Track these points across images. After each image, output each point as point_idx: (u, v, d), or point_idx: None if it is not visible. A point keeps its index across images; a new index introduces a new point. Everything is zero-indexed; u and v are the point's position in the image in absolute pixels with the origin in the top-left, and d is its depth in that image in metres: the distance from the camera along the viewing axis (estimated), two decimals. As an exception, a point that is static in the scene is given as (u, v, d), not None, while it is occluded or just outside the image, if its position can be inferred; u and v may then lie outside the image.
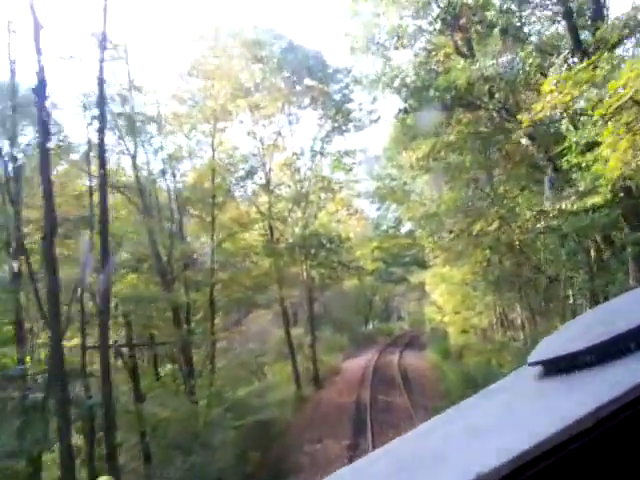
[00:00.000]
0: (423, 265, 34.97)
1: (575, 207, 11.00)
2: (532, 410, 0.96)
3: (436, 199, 25.56)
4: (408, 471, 0.90)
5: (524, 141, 18.27)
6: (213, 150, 20.41)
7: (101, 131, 11.92)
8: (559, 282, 17.30)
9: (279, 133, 24.30)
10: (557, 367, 1.01)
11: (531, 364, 1.09)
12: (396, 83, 18.36)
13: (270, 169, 24.28)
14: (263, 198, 24.31)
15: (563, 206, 11.28)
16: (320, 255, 25.21)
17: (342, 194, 28.12)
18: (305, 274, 25.34)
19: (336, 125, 25.04)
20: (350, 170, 26.82)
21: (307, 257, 24.51)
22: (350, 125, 25.34)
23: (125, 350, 15.98)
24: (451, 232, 18.95)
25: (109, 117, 14.23)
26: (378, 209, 41.28)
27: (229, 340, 25.87)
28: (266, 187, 23.83)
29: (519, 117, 11.87)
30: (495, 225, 18.69)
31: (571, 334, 1.19)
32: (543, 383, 1.04)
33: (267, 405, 16.32)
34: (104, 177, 11.94)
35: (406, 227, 40.10)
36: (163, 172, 18.81)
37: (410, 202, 30.23)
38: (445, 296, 29.84)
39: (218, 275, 19.78)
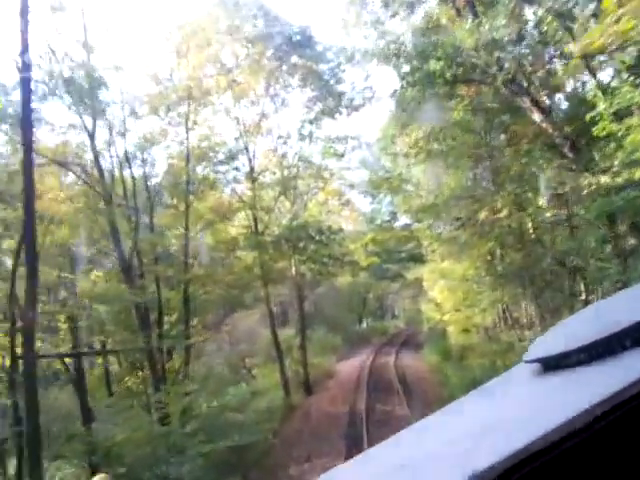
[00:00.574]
0: (420, 260, 33.26)
1: (620, 180, 8.99)
2: (528, 407, 0.96)
3: (434, 189, 23.80)
4: (405, 469, 0.88)
5: (536, 117, 16.41)
6: (187, 131, 18.20)
7: (26, 91, 9.71)
8: (578, 274, 15.40)
9: (263, 115, 22.09)
10: (553, 365, 1.01)
11: (527, 362, 1.09)
12: (392, 48, 16.25)
13: (254, 155, 22.09)
14: (246, 186, 22.11)
15: (602, 180, 9.26)
16: (309, 248, 23.04)
17: (333, 183, 25.95)
18: (294, 270, 23.19)
19: (327, 107, 22.86)
20: (342, 156, 24.63)
21: (295, 251, 22.34)
22: (342, 107, 23.15)
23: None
24: (458, 219, 16.87)
25: (58, 83, 12.02)
26: (372, 203, 39.42)
27: (210, 343, 23.85)
28: (249, 174, 21.62)
29: (567, 49, 9.79)
30: (505, 212, 16.75)
31: (567, 332, 1.17)
32: (539, 381, 1.04)
33: (247, 422, 14.10)
34: (29, 146, 9.77)
35: (401, 222, 38.44)
36: (127, 155, 16.46)
37: (406, 193, 28.44)
38: (444, 293, 28.06)
39: (193, 271, 17.57)
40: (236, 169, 21.55)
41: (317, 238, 22.89)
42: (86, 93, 12.75)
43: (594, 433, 0.77)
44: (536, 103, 16.19)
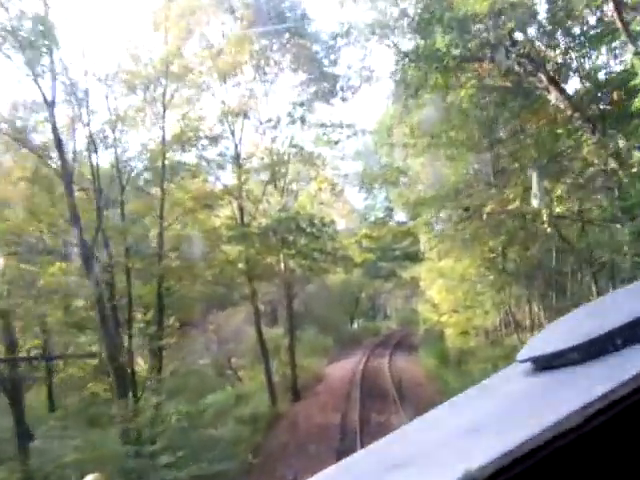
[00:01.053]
0: (416, 259, 31.68)
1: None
2: (521, 407, 0.96)
3: (434, 182, 22.26)
4: (396, 470, 0.86)
5: (553, 97, 14.88)
6: (164, 110, 16.38)
7: None
8: (601, 272, 13.84)
9: (251, 96, 20.27)
10: (547, 364, 1.01)
11: (521, 361, 1.08)
12: (394, 16, 14.58)
13: (240, 140, 20.21)
14: (232, 173, 20.32)
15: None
16: (300, 242, 21.28)
17: (326, 173, 24.14)
18: (282, 265, 21.40)
19: (320, 90, 21.10)
20: (336, 143, 22.83)
21: (284, 244, 20.57)
22: (337, 91, 21.39)
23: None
24: (466, 209, 15.20)
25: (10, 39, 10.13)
26: (365, 199, 37.81)
27: (194, 342, 22.17)
28: (235, 160, 19.79)
29: None
30: (516, 204, 15.11)
31: (561, 331, 1.16)
32: (533, 380, 1.03)
33: (225, 438, 12.31)
34: None
35: (397, 218, 36.83)
36: (92, 135, 14.57)
37: (403, 186, 26.93)
38: (443, 293, 26.52)
39: (166, 263, 15.75)
40: (220, 154, 19.76)
41: (308, 231, 21.14)
42: (39, 49, 10.86)
43: (587, 432, 0.75)
44: (554, 82, 14.64)
